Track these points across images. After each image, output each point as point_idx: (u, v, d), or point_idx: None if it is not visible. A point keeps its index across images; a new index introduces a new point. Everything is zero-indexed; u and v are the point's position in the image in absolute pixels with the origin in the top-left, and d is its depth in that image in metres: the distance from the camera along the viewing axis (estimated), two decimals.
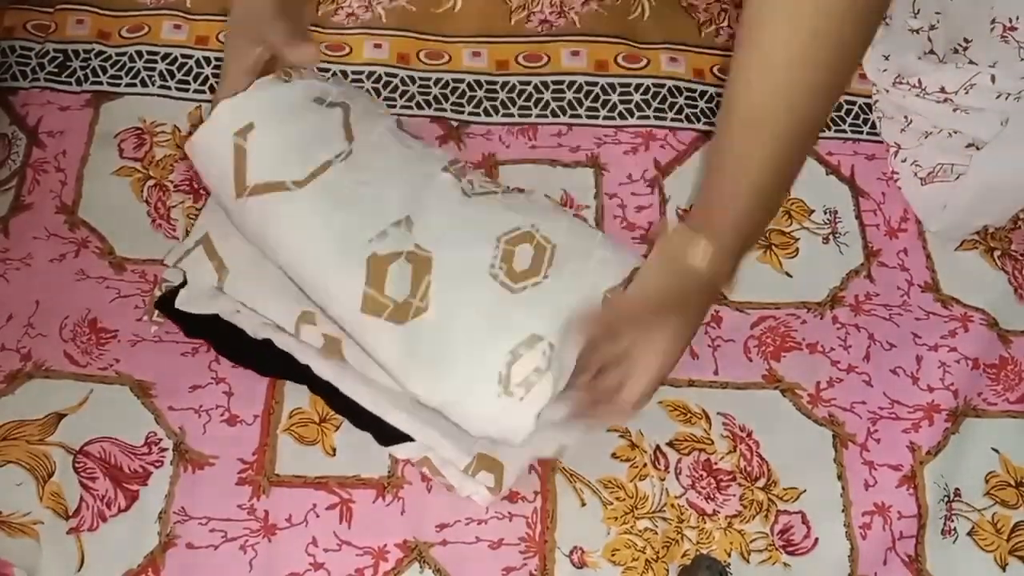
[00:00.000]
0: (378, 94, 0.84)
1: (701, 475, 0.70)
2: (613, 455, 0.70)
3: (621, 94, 0.86)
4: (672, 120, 0.85)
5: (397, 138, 0.70)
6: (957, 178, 0.78)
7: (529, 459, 0.67)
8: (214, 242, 0.70)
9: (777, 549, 0.68)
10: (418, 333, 0.63)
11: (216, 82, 0.83)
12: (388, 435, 0.67)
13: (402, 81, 0.85)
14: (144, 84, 0.83)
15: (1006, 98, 0.76)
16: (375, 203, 0.65)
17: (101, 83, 0.82)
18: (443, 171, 0.69)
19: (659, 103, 0.86)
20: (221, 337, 0.70)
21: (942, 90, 0.78)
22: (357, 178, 0.65)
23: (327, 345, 0.67)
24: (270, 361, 0.69)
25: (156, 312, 0.71)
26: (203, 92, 0.83)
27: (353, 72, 0.85)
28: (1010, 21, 0.80)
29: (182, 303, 0.69)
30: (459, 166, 0.70)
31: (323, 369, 0.68)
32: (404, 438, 0.66)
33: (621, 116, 0.85)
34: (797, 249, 0.80)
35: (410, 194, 0.66)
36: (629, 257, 0.68)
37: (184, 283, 0.71)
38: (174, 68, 0.84)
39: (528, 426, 0.61)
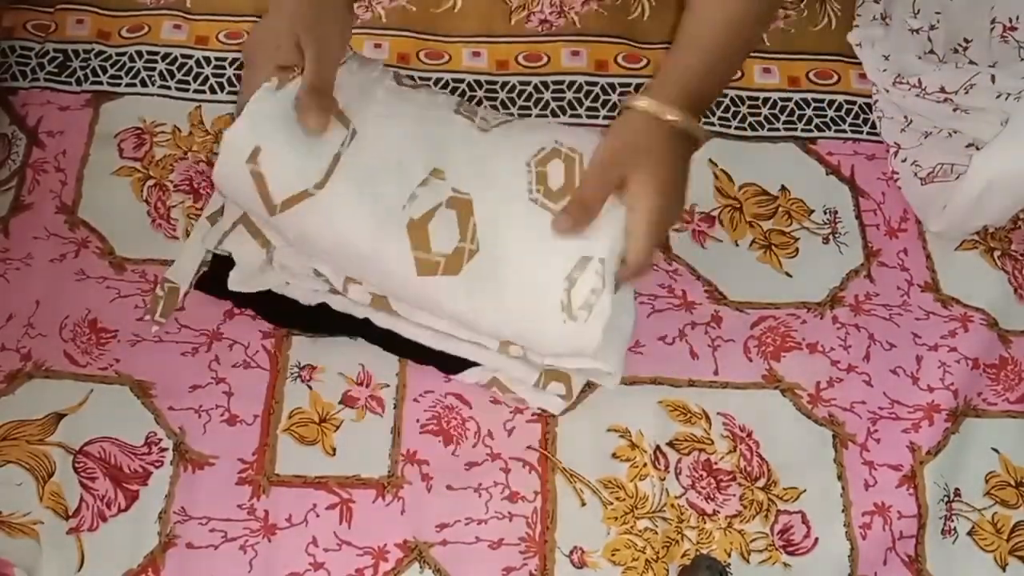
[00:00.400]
0: None
1: (701, 475, 0.70)
2: (613, 455, 0.70)
3: (621, 94, 0.86)
4: None
5: (399, 96, 0.69)
6: (957, 178, 0.78)
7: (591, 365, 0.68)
8: (256, 221, 0.71)
9: (777, 549, 0.68)
10: (476, 276, 0.64)
11: (215, 83, 0.83)
12: (452, 365, 0.71)
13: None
14: (144, 84, 0.83)
15: (1006, 98, 0.76)
16: (397, 172, 0.65)
17: (101, 83, 0.82)
18: (455, 114, 0.69)
19: None
20: (268, 305, 0.72)
21: (942, 90, 0.78)
22: (370, 155, 0.66)
23: (375, 301, 0.69)
24: (323, 322, 0.72)
25: (158, 312, 0.71)
26: (203, 92, 0.83)
27: None
28: (1010, 21, 0.80)
29: (235, 284, 0.71)
30: (468, 106, 0.70)
31: (381, 320, 0.70)
32: (468, 365, 0.70)
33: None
34: (797, 249, 0.80)
35: (430, 147, 0.67)
36: None
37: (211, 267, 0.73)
38: (174, 68, 0.84)
39: (596, 342, 0.64)
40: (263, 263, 0.70)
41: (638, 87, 0.86)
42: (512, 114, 0.72)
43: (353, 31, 0.87)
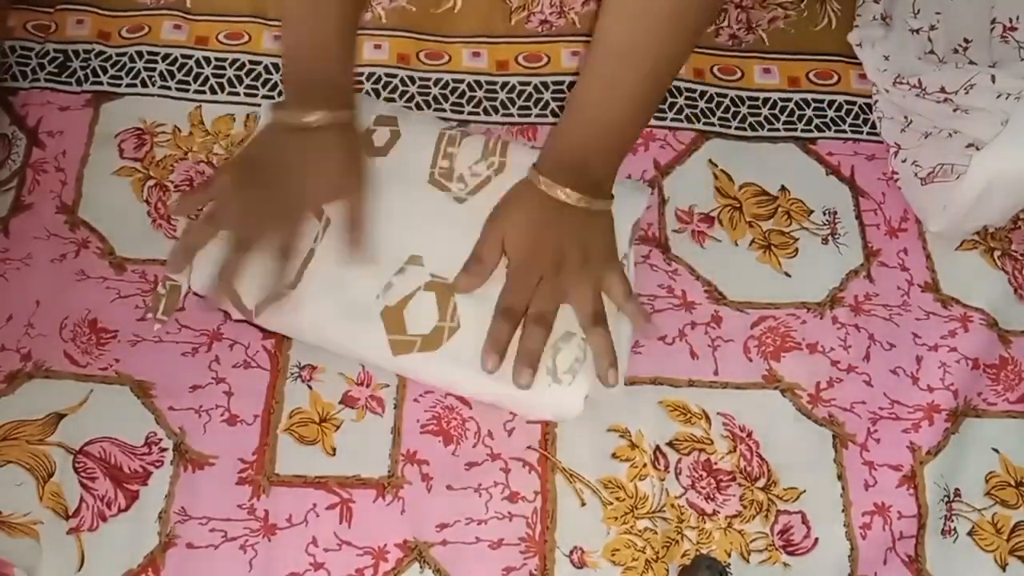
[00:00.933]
0: (378, 95, 0.84)
1: (701, 475, 0.70)
2: (613, 455, 0.70)
3: None
4: (672, 120, 0.85)
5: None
6: (957, 178, 0.78)
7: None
8: None
9: (777, 549, 0.68)
10: (457, 350, 0.66)
11: (215, 83, 0.83)
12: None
13: (402, 81, 0.85)
14: (144, 84, 0.83)
15: (1006, 98, 0.75)
16: (371, 264, 0.68)
17: (101, 83, 0.82)
18: (429, 184, 0.71)
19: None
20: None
21: (942, 90, 0.78)
22: (341, 250, 0.68)
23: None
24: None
25: (159, 310, 0.71)
26: (203, 92, 0.83)
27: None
28: (1010, 21, 0.80)
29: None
30: (443, 167, 0.72)
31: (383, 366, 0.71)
32: None
33: None
34: (797, 249, 0.80)
35: (404, 230, 0.69)
36: (627, 225, 0.71)
37: None
38: (174, 68, 0.84)
39: (579, 406, 0.67)
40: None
41: None
42: (487, 164, 0.73)
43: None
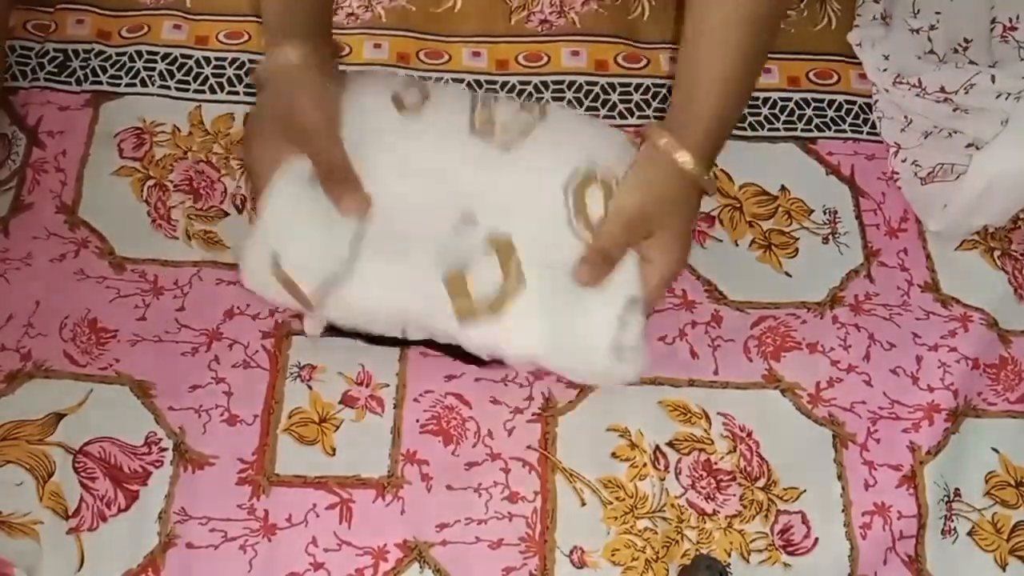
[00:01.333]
0: None
1: (701, 475, 0.70)
2: (613, 455, 0.70)
3: (621, 94, 0.86)
4: None
5: (406, 129, 0.66)
6: (957, 178, 0.78)
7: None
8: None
9: (777, 549, 0.68)
10: (523, 313, 0.63)
11: (215, 83, 0.83)
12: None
13: None
14: (144, 84, 0.83)
15: (1006, 98, 0.75)
16: (425, 229, 0.64)
17: (101, 83, 0.82)
18: (472, 136, 0.66)
19: (659, 103, 0.86)
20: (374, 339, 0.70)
21: (942, 90, 0.78)
22: (393, 218, 0.64)
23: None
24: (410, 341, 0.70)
25: (311, 327, 0.70)
26: (203, 92, 0.83)
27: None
28: (1010, 21, 0.80)
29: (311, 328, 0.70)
30: (483, 113, 0.67)
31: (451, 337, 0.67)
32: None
33: (621, 116, 0.85)
34: (797, 249, 0.80)
35: (454, 189, 0.65)
36: None
37: None
38: (174, 68, 0.84)
39: (635, 379, 0.67)
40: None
41: (638, 87, 0.86)
42: (530, 112, 0.68)
43: (353, 31, 0.87)
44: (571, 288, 0.63)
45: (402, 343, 0.70)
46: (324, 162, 0.64)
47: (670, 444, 0.71)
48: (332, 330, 0.70)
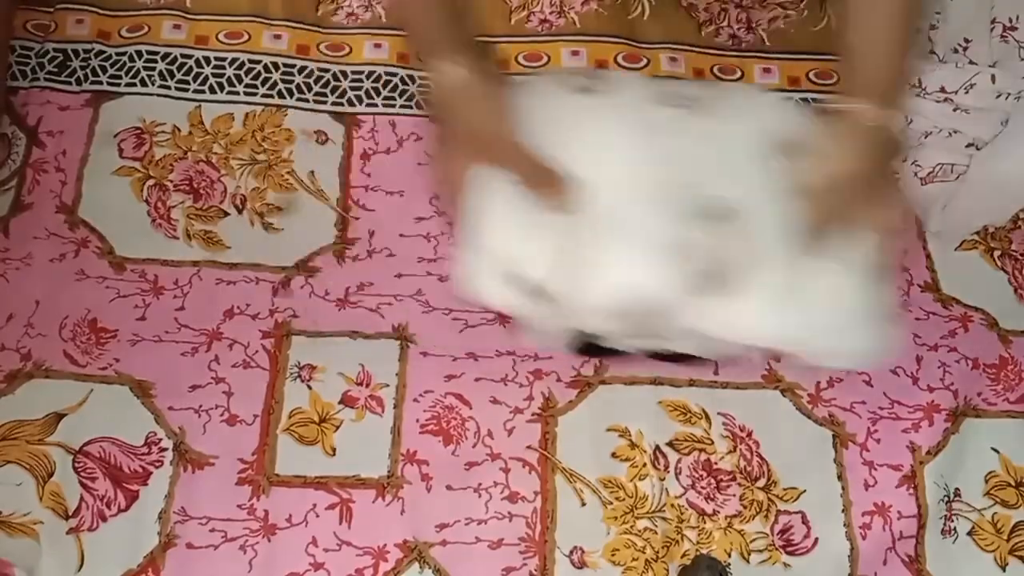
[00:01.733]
0: (378, 94, 0.84)
1: (701, 475, 0.70)
2: (613, 455, 0.70)
3: None
4: None
5: (595, 108, 0.64)
6: (957, 178, 0.78)
7: None
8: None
9: (777, 549, 0.68)
10: (766, 286, 0.60)
11: (215, 83, 0.83)
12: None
13: (402, 81, 0.85)
14: (144, 84, 0.83)
15: (1006, 98, 0.75)
16: (640, 204, 0.61)
17: (101, 83, 0.82)
18: (659, 105, 0.64)
19: None
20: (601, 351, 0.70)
21: (942, 90, 0.78)
22: (606, 199, 0.61)
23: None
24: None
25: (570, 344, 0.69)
26: (203, 92, 0.83)
27: (353, 72, 0.85)
28: (1010, 21, 0.80)
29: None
30: (662, 87, 0.65)
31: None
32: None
33: None
34: None
35: (661, 159, 0.62)
36: None
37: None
38: (174, 68, 0.84)
39: (889, 355, 0.64)
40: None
41: None
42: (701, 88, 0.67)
43: (353, 31, 0.87)
44: (805, 260, 0.61)
45: (621, 353, 0.68)
46: (520, 169, 0.62)
47: (670, 444, 0.71)
48: (579, 345, 0.69)
